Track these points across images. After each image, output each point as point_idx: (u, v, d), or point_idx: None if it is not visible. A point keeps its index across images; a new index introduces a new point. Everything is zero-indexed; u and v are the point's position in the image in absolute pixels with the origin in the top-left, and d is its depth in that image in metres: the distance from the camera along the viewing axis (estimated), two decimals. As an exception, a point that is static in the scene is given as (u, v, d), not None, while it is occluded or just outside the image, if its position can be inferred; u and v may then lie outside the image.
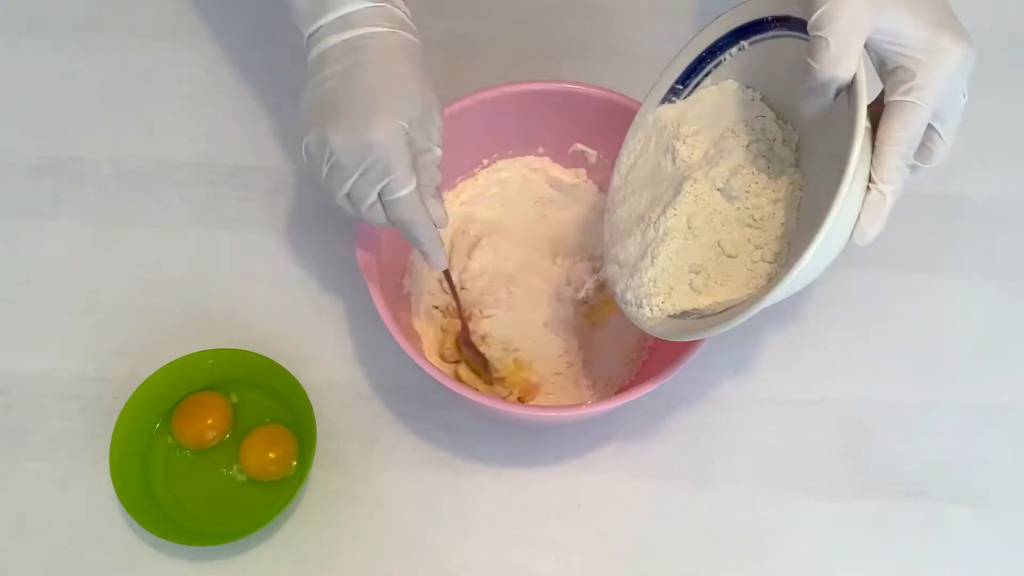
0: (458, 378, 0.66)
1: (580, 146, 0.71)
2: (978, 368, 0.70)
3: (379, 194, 0.55)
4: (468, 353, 0.67)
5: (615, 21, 0.82)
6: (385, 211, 0.56)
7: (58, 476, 0.65)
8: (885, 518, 0.65)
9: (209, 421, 0.64)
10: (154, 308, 0.70)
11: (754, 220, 0.55)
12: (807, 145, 0.55)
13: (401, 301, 0.68)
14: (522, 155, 0.73)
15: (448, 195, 0.72)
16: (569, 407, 0.64)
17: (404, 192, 0.55)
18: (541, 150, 0.72)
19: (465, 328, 0.67)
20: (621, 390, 0.61)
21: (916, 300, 0.72)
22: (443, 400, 0.67)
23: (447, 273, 0.64)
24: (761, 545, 0.65)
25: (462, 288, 0.69)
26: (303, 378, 0.65)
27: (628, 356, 0.68)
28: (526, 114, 0.68)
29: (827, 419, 0.68)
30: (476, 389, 0.63)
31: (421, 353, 0.59)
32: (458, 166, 0.71)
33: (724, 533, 0.65)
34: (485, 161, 0.72)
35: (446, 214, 0.59)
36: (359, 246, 0.61)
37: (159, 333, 0.69)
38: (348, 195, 0.56)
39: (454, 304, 0.67)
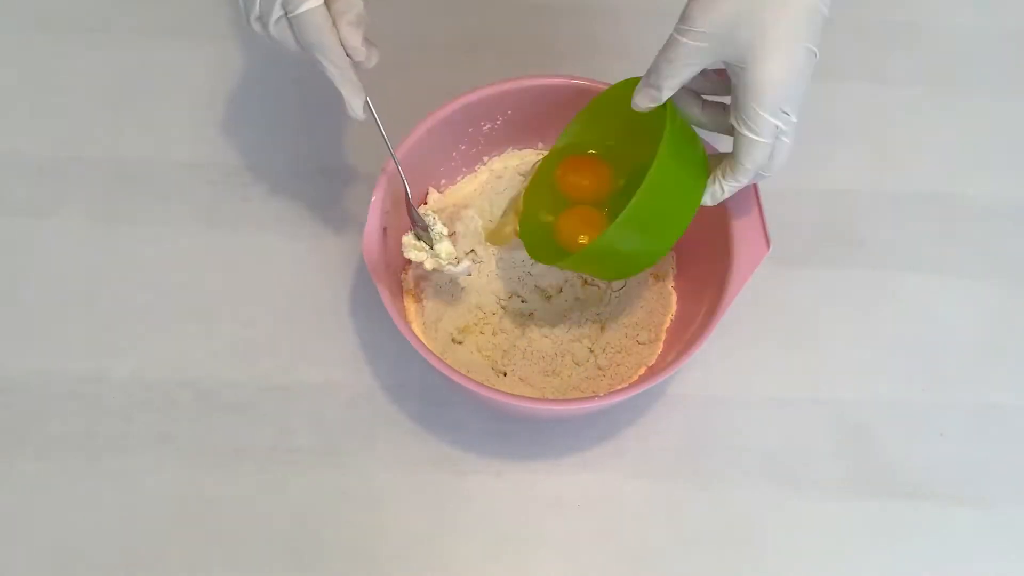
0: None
1: None
2: (978, 368, 0.70)
3: (284, 9, 0.51)
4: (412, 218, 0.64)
5: (618, 22, 0.82)
6: (293, 33, 0.52)
7: (58, 476, 0.65)
8: (885, 518, 0.65)
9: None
10: (154, 308, 0.70)
11: None
12: None
13: (402, 299, 0.68)
14: (520, 149, 0.73)
15: (451, 189, 0.72)
16: (572, 400, 0.64)
17: (305, 7, 0.50)
18: (540, 145, 0.72)
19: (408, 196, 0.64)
20: (629, 385, 0.61)
21: (916, 300, 0.72)
22: (443, 399, 0.67)
23: (374, 116, 0.60)
24: (761, 545, 0.65)
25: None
26: (303, 378, 0.65)
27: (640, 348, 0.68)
28: (525, 109, 0.69)
29: (827, 419, 0.68)
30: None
31: (426, 347, 0.59)
32: (463, 162, 0.72)
33: (724, 533, 0.65)
34: (486, 158, 0.72)
35: (365, 46, 0.54)
36: (365, 243, 0.61)
37: (159, 333, 0.69)
38: (259, 16, 0.52)
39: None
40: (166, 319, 0.70)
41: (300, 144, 0.76)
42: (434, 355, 0.59)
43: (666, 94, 0.54)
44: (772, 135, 0.52)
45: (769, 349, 0.70)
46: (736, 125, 0.53)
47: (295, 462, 0.66)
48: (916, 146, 0.78)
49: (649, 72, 0.54)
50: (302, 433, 0.66)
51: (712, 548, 0.64)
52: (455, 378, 0.58)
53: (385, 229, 0.63)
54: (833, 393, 0.69)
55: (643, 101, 0.55)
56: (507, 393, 0.59)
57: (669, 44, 0.52)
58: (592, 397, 0.60)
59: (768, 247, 0.62)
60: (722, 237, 0.63)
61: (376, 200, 0.62)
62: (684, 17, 0.52)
